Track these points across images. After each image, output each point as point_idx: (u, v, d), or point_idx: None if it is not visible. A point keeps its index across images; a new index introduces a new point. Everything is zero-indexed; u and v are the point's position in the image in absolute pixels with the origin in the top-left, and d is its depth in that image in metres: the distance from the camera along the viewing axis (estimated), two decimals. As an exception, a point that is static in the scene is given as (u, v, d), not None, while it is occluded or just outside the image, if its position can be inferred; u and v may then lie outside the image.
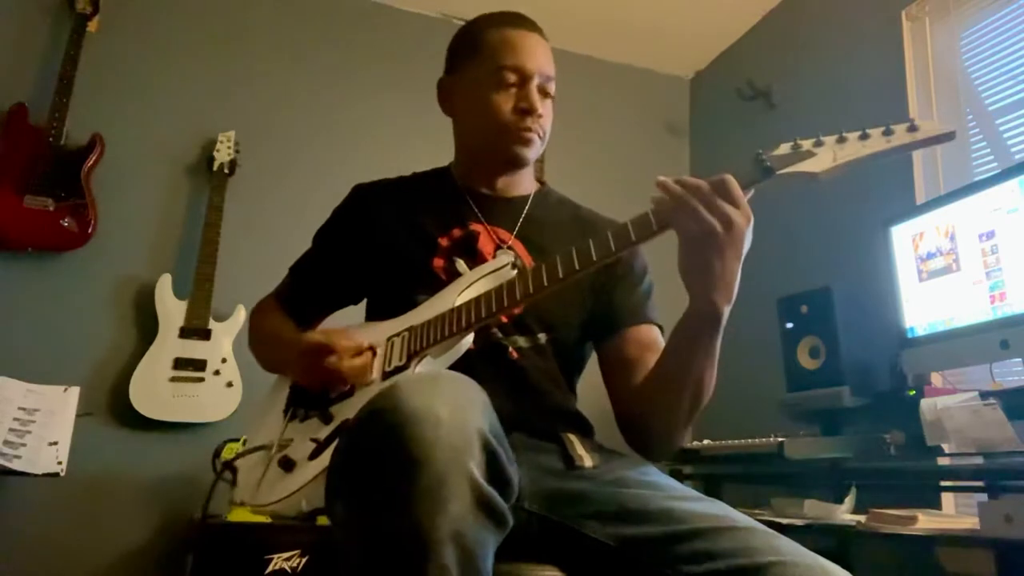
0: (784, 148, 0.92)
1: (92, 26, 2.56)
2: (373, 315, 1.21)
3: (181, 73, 2.75)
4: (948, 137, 0.88)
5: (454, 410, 0.71)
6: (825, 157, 0.90)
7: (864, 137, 0.89)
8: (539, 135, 1.19)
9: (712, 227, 0.87)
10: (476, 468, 0.70)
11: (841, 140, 0.90)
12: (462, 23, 1.28)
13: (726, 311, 0.93)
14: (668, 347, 1.04)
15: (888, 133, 0.89)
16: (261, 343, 1.28)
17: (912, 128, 0.88)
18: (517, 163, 1.21)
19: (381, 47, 3.04)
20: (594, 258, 0.94)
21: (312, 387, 1.05)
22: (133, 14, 2.72)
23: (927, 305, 1.81)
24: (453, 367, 1.02)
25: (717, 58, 3.38)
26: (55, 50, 2.54)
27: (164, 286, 2.48)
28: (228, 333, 2.49)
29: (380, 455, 0.70)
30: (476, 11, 1.28)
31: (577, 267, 0.95)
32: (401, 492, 0.67)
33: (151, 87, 2.70)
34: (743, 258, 0.91)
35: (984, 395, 1.50)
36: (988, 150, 2.13)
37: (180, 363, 2.40)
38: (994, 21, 2.16)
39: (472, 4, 2.93)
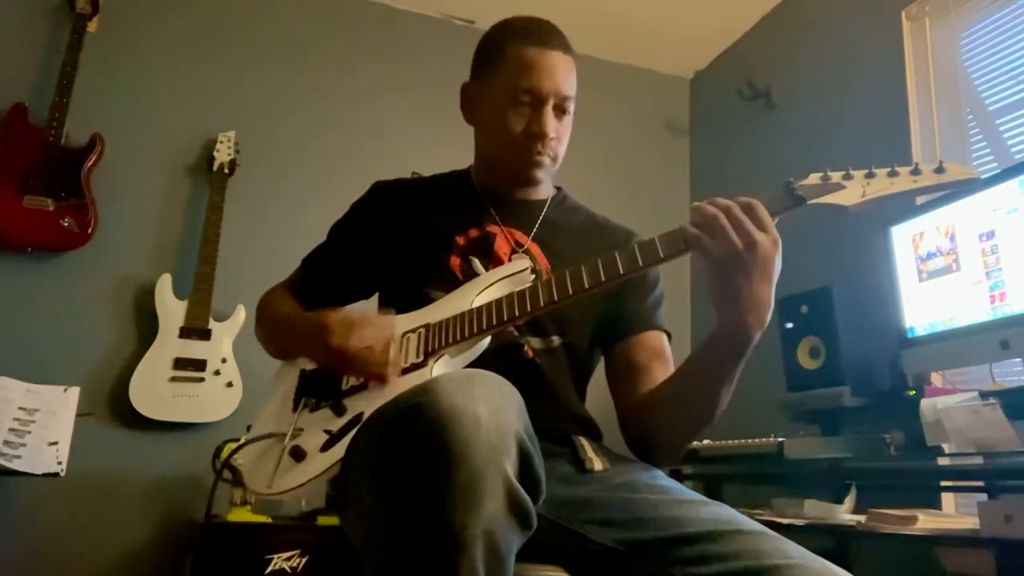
0: (814, 178, 0.94)
1: (92, 26, 2.56)
2: (386, 310, 1.20)
3: (181, 73, 2.75)
4: (973, 182, 0.92)
5: (493, 410, 0.71)
6: (854, 191, 0.92)
7: (893, 174, 0.92)
8: (549, 156, 1.19)
9: (736, 248, 0.87)
10: (511, 469, 0.70)
11: (870, 175, 0.93)
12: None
13: (757, 336, 0.93)
14: (687, 367, 1.03)
15: (916, 172, 0.92)
16: (274, 325, 1.26)
17: (939, 170, 0.91)
18: (526, 182, 1.23)
19: (381, 47, 3.02)
20: (620, 271, 0.95)
21: (332, 365, 1.05)
22: (133, 14, 2.72)
23: (927, 305, 1.81)
24: (470, 365, 1.02)
25: (717, 58, 3.37)
26: (55, 50, 2.54)
27: (164, 286, 2.48)
28: (228, 333, 2.49)
29: (418, 450, 0.69)
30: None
31: (603, 279, 0.96)
32: (438, 488, 0.67)
33: (151, 87, 2.70)
34: (774, 283, 0.90)
35: (984, 395, 1.50)
36: (988, 150, 2.13)
37: (180, 363, 2.40)
38: (994, 21, 2.16)
39: (472, 4, 2.98)
